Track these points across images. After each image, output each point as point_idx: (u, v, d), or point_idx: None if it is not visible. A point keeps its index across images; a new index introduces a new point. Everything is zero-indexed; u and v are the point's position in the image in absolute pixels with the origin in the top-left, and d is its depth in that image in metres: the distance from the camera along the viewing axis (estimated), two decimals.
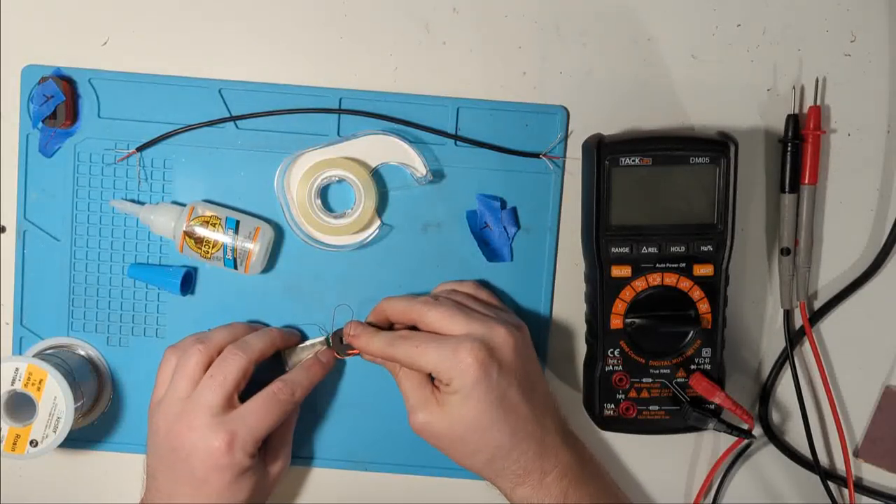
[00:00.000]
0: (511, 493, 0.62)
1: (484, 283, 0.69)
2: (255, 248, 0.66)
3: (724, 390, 0.65)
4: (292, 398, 0.64)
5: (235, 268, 0.67)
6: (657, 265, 0.64)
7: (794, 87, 0.68)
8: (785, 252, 0.68)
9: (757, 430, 0.70)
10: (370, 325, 0.66)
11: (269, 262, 0.69)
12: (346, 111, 0.68)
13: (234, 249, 0.66)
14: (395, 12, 0.68)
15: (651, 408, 0.66)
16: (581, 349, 0.70)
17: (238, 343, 0.65)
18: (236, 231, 0.66)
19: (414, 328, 0.64)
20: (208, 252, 0.66)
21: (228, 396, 0.62)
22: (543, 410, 0.62)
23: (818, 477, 0.69)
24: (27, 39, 0.68)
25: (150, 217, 0.67)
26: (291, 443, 0.69)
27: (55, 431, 0.64)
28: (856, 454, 0.71)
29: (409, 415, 0.62)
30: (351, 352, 0.68)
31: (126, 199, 0.68)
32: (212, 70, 0.68)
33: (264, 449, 0.65)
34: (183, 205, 0.68)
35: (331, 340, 0.68)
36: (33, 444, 0.64)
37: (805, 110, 0.67)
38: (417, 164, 0.67)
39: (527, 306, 0.70)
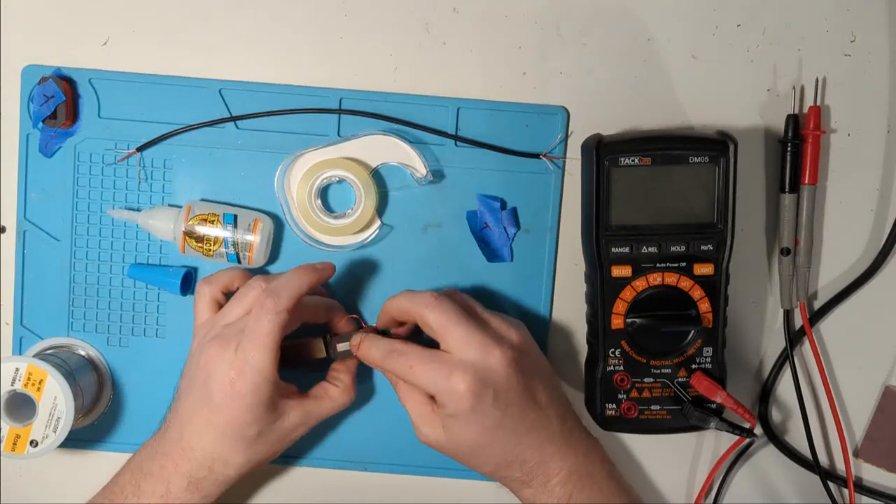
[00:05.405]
0: (517, 494, 0.64)
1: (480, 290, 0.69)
2: (256, 239, 0.66)
3: (725, 389, 0.65)
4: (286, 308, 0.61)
5: (239, 262, 0.67)
6: (657, 265, 0.64)
7: (794, 87, 0.68)
8: (785, 252, 0.68)
9: (757, 430, 0.70)
10: (374, 332, 0.65)
11: (269, 261, 0.68)
12: (346, 111, 0.68)
13: (235, 243, 0.66)
14: (395, 12, 0.68)
15: (652, 407, 0.66)
16: (582, 349, 0.70)
17: (273, 289, 0.62)
18: (235, 225, 0.66)
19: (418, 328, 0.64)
20: (210, 249, 0.66)
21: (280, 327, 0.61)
22: (546, 416, 0.62)
23: (818, 477, 0.69)
24: (27, 39, 0.68)
25: (149, 222, 0.67)
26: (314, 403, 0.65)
27: (55, 431, 0.64)
28: (856, 454, 0.71)
29: (414, 429, 0.63)
30: (342, 351, 0.65)
31: (125, 203, 0.68)
32: (212, 70, 0.68)
33: (290, 398, 0.64)
34: (180, 206, 0.68)
35: (327, 341, 0.66)
36: (33, 444, 0.64)
37: (805, 110, 0.67)
38: (417, 165, 0.67)
39: (527, 306, 0.69)
